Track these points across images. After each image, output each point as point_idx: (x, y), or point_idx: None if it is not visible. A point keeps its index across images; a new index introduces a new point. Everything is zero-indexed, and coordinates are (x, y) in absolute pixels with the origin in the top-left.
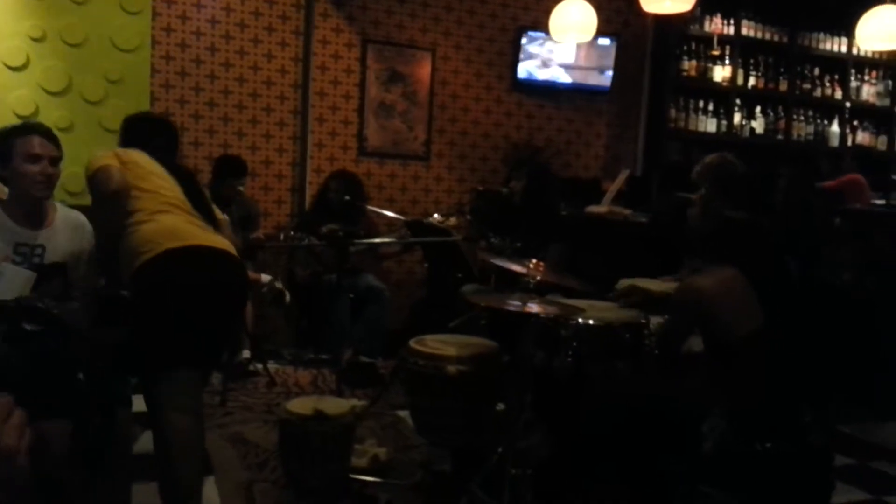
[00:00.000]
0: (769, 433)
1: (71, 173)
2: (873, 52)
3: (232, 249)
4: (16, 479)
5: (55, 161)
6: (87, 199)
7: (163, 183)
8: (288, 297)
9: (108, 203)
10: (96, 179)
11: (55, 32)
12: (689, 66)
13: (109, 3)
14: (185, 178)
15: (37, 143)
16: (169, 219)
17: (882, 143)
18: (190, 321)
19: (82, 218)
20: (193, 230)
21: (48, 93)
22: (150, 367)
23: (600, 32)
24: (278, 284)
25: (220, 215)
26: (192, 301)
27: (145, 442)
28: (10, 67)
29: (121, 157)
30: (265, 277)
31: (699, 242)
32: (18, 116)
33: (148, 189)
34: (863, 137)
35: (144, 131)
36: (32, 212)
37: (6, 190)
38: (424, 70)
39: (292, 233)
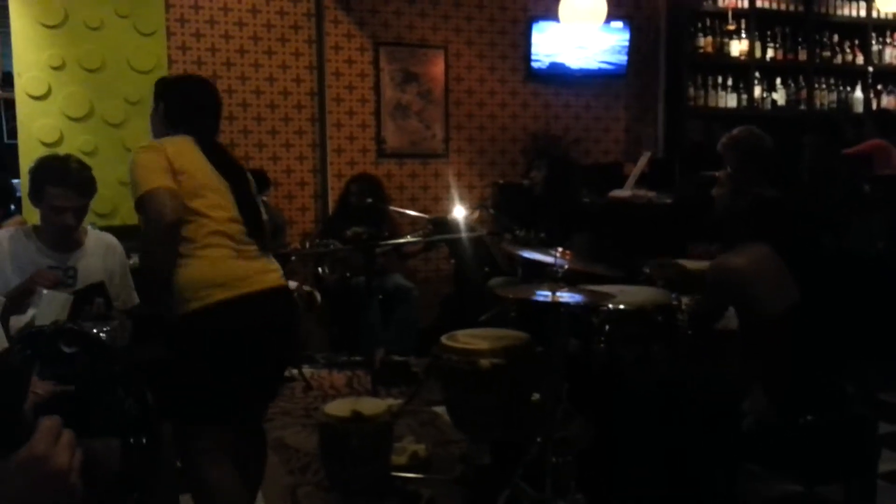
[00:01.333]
0: (809, 406)
1: (98, 196)
2: (894, 14)
3: (281, 280)
4: (70, 500)
5: (80, 211)
6: (115, 220)
7: (215, 198)
8: (319, 298)
9: (162, 234)
10: (149, 209)
11: (74, 60)
12: (704, 42)
13: (124, 27)
14: (236, 177)
15: (64, 198)
16: (217, 255)
17: None
18: (243, 374)
19: (113, 239)
20: (243, 271)
21: (71, 119)
22: (197, 418)
23: (612, 16)
24: (306, 287)
25: (263, 214)
26: (246, 354)
27: None
28: (32, 97)
29: (172, 164)
30: (291, 284)
31: (729, 222)
32: (44, 145)
33: (199, 210)
34: (888, 101)
35: (192, 113)
36: (63, 237)
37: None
38: (438, 68)
39: (317, 239)
